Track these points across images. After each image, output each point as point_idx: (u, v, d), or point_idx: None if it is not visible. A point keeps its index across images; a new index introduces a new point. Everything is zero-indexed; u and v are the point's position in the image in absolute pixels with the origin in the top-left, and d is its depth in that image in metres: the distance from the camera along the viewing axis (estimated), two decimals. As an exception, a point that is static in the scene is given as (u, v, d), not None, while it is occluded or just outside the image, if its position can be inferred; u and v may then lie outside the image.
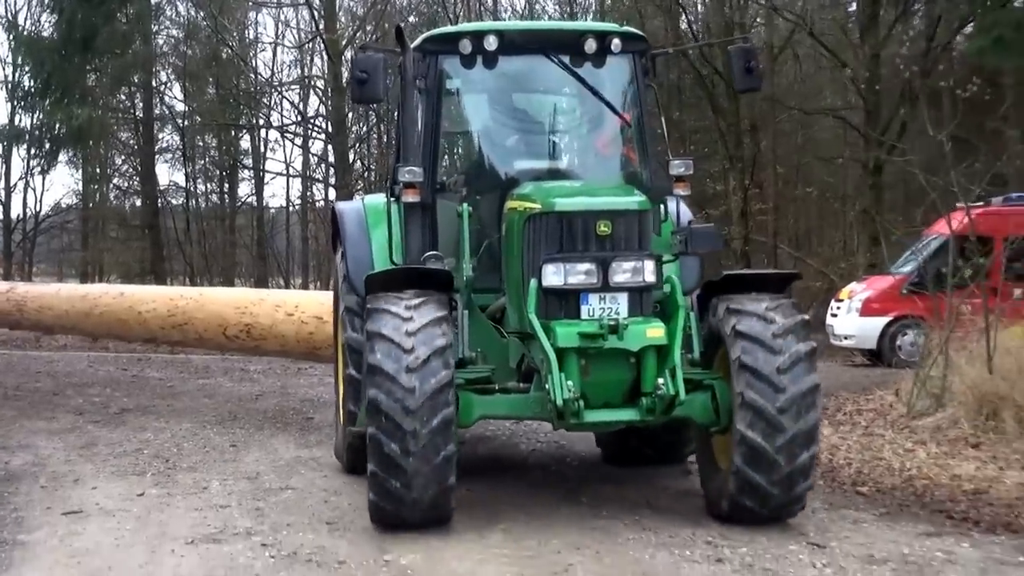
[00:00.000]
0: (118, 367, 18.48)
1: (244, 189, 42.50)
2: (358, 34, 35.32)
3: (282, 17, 39.94)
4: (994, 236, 17.54)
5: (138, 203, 39.13)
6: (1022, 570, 6.16)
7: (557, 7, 35.89)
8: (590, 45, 8.56)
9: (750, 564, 6.17)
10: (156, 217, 36.14)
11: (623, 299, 7.33)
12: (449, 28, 9.53)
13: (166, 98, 39.37)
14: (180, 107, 39.88)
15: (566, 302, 7.35)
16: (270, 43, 41.48)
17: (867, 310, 18.24)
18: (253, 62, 40.72)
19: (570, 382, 7.00)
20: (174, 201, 41.05)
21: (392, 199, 8.62)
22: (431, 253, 8.22)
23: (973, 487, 8.43)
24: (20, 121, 36.32)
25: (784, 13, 26.50)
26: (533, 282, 7.36)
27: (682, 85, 29.59)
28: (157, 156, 38.48)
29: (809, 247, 31.91)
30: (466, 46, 8.56)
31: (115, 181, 41.51)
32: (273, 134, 40.27)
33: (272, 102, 39.93)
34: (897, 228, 20.28)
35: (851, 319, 18.56)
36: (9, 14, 36.97)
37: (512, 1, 36.80)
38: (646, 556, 6.38)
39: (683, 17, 27.04)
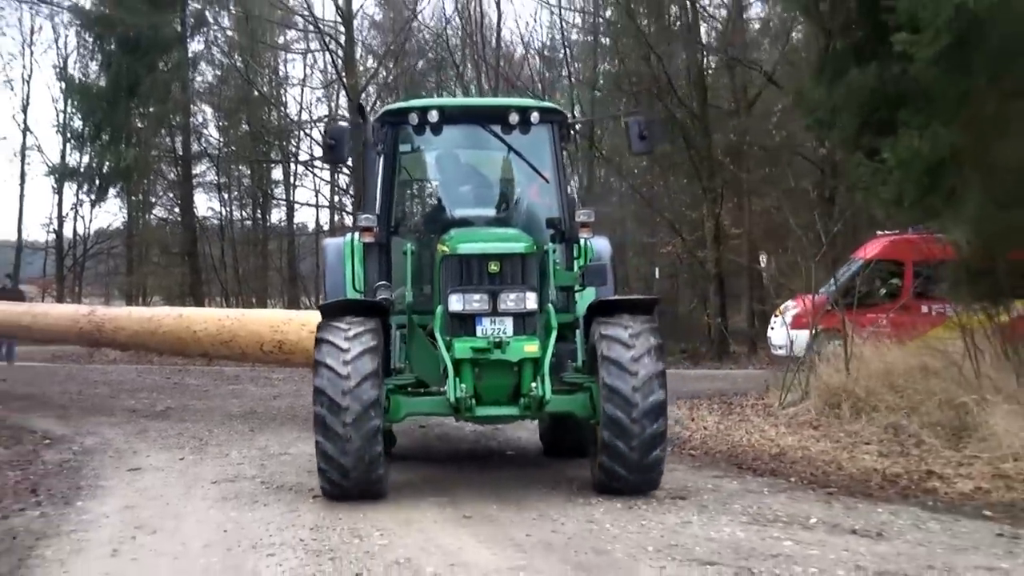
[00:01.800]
0: (162, 376, 21.94)
1: (276, 215, 45.09)
2: (375, 78, 38.36)
3: (309, 59, 42.63)
4: (905, 260, 20.50)
5: (179, 229, 41.72)
6: (759, 495, 9.11)
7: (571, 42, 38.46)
8: (514, 117, 10.04)
9: (570, 487, 9.25)
10: (195, 245, 38.88)
11: (509, 322, 8.89)
12: (401, 104, 10.92)
13: (203, 134, 42.08)
14: (216, 142, 42.71)
15: (465, 323, 8.93)
16: (297, 83, 44.07)
17: (796, 324, 20.85)
18: (284, 98, 43.70)
19: (464, 385, 8.65)
20: (213, 222, 43.80)
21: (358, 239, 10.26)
22: (380, 283, 9.84)
23: (779, 451, 11.46)
24: (71, 159, 39.57)
25: (744, 62, 29.30)
26: (440, 308, 9.10)
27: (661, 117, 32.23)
28: (195, 187, 41.40)
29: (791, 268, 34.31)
30: (414, 118, 10.07)
31: (157, 211, 44.23)
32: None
33: (299, 138, 42.67)
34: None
35: (783, 332, 21.25)
36: (60, 60, 40.36)
37: (512, 47, 39.07)
38: (508, 482, 9.52)
39: (659, 64, 29.73)
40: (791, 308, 21.52)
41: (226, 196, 44.36)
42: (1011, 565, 6.76)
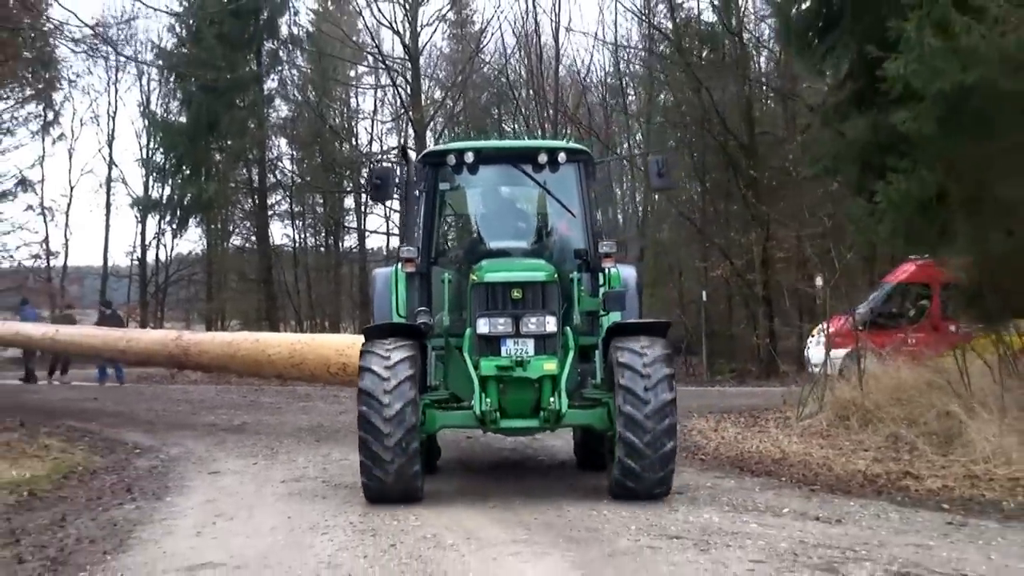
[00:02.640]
0: (239, 395, 23.79)
1: (349, 242, 46.55)
2: (441, 109, 40.01)
3: (378, 93, 44.16)
4: (932, 283, 21.68)
5: (255, 256, 43.31)
6: (749, 491, 10.48)
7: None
8: (542, 158, 10.79)
9: (588, 489, 10.65)
10: (270, 271, 40.72)
11: (530, 343, 9.77)
12: (440, 147, 11.90)
13: (278, 167, 43.97)
14: (290, 173, 44.54)
15: (491, 344, 9.80)
16: (367, 116, 45.69)
17: (834, 343, 22.18)
18: (355, 130, 45.46)
19: (489, 399, 9.59)
20: (287, 248, 45.40)
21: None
22: (420, 309, 10.62)
23: (782, 456, 12.79)
24: (154, 191, 41.79)
25: (790, 95, 30.57)
26: (469, 330, 10.02)
27: (712, 146, 33.50)
28: (271, 216, 43.27)
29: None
30: (452, 159, 10.84)
31: (234, 240, 46.06)
32: (375, 193, 44.04)
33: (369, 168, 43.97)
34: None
35: (818, 351, 22.31)
36: (143, 98, 42.67)
37: (575, 75, 40.39)
38: (535, 484, 11.05)
39: (709, 97, 31.06)
40: (825, 329, 22.70)
41: (300, 224, 46.23)
42: (938, 543, 8.04)
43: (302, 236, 46.44)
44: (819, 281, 33.00)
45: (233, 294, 44.69)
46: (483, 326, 9.90)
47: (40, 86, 39.38)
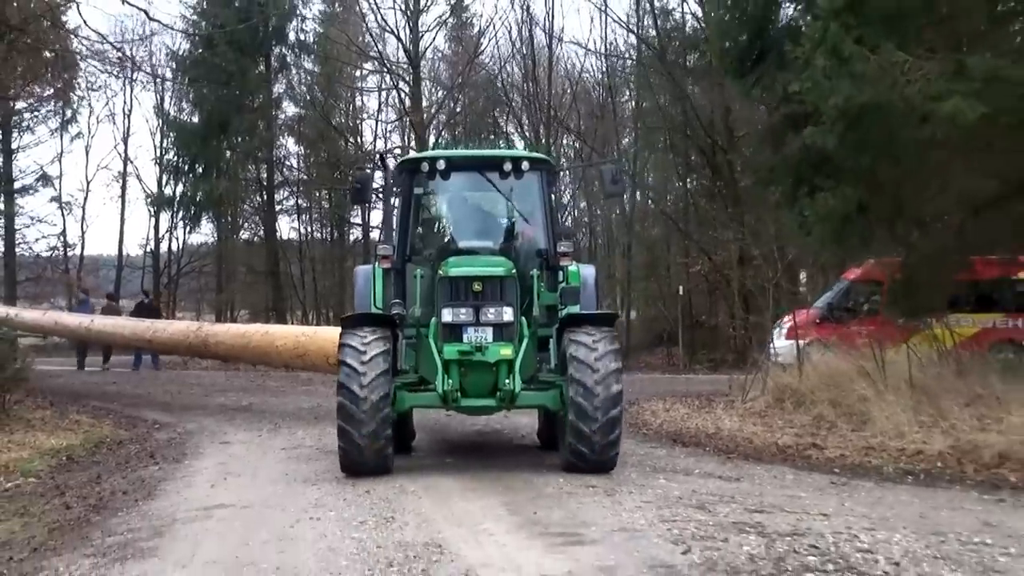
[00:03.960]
0: (247, 379, 25.82)
1: (354, 235, 47.86)
2: (441, 110, 41.79)
3: (382, 95, 45.49)
4: (882, 280, 23.48)
5: (263, 251, 44.74)
6: (675, 458, 12.40)
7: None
8: (507, 166, 11.66)
9: (539, 457, 12.56)
10: (277, 265, 42.39)
11: (489, 331, 10.72)
12: (414, 155, 12.73)
13: (285, 165, 45.65)
14: (297, 171, 46.30)
15: (454, 331, 10.77)
16: (372, 116, 47.30)
17: (790, 335, 23.85)
18: (360, 128, 46.95)
19: (451, 381, 10.63)
20: (294, 240, 47.00)
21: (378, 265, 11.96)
22: (394, 301, 11.52)
23: (715, 432, 14.68)
24: (166, 188, 43.73)
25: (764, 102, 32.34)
26: (433, 319, 11.05)
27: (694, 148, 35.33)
28: (278, 212, 45.04)
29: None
30: (425, 167, 11.74)
31: (243, 234, 47.61)
32: (377, 189, 45.41)
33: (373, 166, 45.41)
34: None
35: (780, 342, 24.33)
36: (157, 99, 44.56)
37: (566, 79, 42.04)
38: (496, 453, 13.01)
39: (688, 102, 32.94)
40: (787, 321, 24.53)
41: (306, 219, 47.94)
42: (808, 494, 9.91)
43: (308, 231, 48.20)
44: (803, 277, 34.95)
45: (242, 286, 46.17)
46: (447, 315, 10.90)
47: (59, 85, 41.16)
